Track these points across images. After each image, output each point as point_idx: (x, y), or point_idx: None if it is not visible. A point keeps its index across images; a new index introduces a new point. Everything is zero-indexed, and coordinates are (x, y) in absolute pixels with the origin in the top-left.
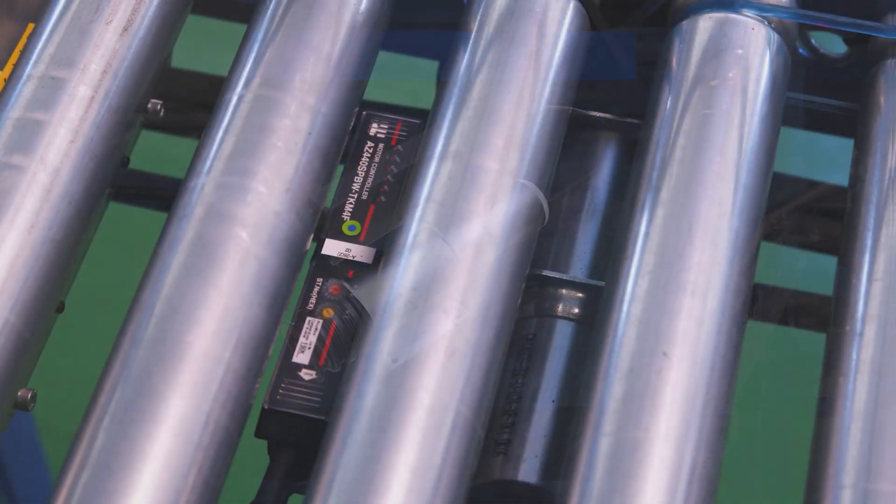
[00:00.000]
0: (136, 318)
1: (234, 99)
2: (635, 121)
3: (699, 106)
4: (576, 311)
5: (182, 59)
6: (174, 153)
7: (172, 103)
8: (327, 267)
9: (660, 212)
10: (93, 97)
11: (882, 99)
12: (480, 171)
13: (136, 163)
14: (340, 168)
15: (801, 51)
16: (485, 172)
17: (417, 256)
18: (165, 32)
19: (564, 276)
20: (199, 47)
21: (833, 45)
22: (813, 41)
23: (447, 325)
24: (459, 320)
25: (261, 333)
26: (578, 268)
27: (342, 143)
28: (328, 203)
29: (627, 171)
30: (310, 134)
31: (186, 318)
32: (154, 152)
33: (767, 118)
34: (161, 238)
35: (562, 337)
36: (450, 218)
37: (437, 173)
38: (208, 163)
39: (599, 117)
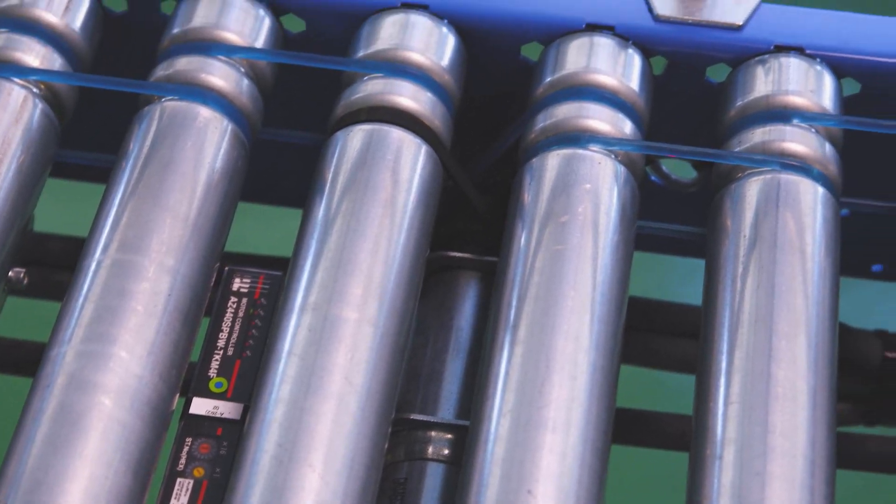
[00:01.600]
0: (1, 494)
1: (93, 265)
2: (494, 258)
3: (551, 242)
4: (446, 452)
5: (49, 221)
6: (43, 316)
7: (37, 268)
8: (196, 425)
9: (518, 350)
10: None
11: (728, 222)
12: (339, 321)
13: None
14: (207, 321)
15: (652, 178)
16: (344, 322)
17: (281, 411)
18: (23, 201)
19: (432, 419)
20: (66, 208)
21: (685, 171)
22: (664, 168)
23: (314, 479)
24: (325, 473)
25: (128, 499)
26: (446, 409)
27: (204, 301)
28: (195, 358)
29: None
30: (169, 295)
31: (51, 491)
32: (20, 317)
33: (619, 249)
34: (25, 409)
35: (433, 479)
36: (311, 370)
37: (297, 326)
38: (69, 331)
39: (458, 257)
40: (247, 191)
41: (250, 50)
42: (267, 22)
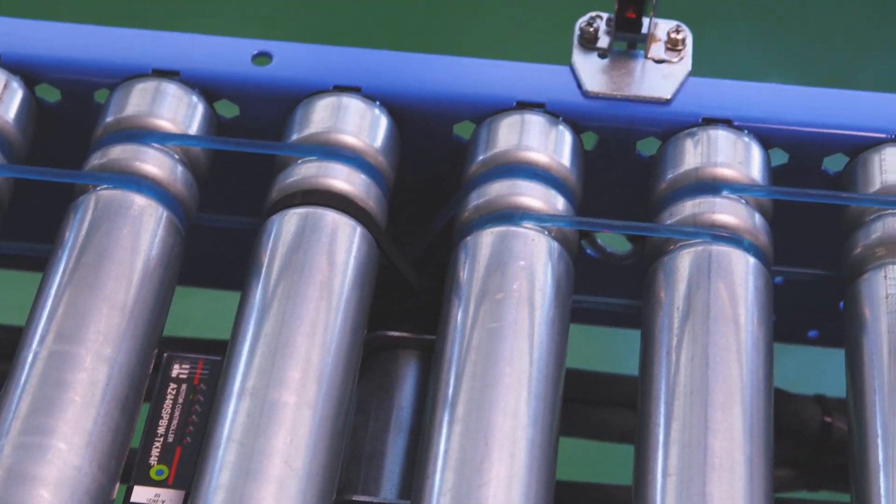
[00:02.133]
0: None
1: (30, 357)
2: (432, 337)
3: (487, 320)
4: None
5: None
6: None
7: None
8: None
9: (457, 428)
10: None
11: (662, 294)
12: (278, 405)
13: None
14: (147, 406)
15: (588, 251)
16: (282, 407)
17: (221, 497)
18: None
19: (375, 500)
20: (6, 296)
21: (620, 244)
22: (599, 241)
23: None
24: None
25: None
26: (388, 488)
27: (142, 388)
28: (136, 445)
29: None
30: (107, 385)
31: None
32: None
33: (554, 324)
34: None
35: None
36: (250, 455)
37: (235, 411)
38: (7, 424)
39: (397, 336)
40: (184, 275)
41: (184, 137)
42: (200, 108)
